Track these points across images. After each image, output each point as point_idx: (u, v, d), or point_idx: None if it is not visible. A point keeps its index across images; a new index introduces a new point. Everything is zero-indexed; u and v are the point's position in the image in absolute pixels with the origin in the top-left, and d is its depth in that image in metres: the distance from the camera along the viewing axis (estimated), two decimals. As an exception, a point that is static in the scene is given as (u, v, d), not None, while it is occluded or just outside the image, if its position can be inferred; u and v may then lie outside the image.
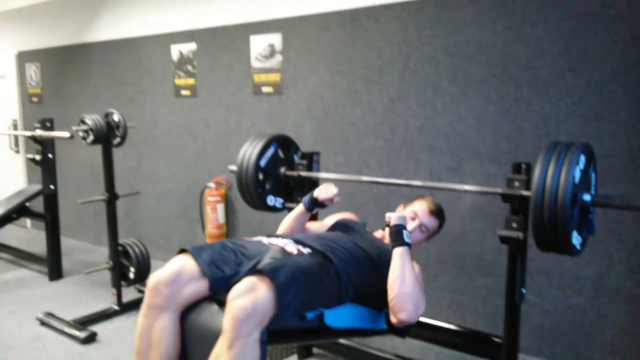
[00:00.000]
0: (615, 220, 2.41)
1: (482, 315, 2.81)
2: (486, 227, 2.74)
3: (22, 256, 4.38)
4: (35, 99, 5.41)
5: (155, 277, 1.68)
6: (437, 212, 2.13)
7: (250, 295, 1.50)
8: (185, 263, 1.70)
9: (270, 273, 1.56)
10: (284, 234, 2.06)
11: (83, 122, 3.10)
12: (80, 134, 3.11)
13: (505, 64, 2.60)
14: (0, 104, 5.78)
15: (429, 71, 2.84)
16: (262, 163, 2.57)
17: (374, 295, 1.95)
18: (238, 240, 1.89)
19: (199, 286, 1.67)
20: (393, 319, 1.80)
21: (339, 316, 1.81)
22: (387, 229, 2.05)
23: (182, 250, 1.76)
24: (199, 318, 1.61)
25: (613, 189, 2.40)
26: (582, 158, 1.84)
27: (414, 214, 2.10)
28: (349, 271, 1.87)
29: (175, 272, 1.66)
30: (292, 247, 1.82)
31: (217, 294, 1.66)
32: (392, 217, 1.96)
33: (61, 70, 5.04)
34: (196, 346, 1.59)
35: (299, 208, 2.24)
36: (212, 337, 1.52)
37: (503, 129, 2.65)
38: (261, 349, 1.51)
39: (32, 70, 5.35)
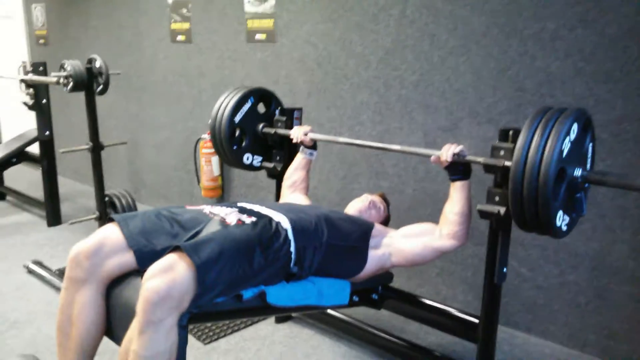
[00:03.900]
0: (621, 194, 2.16)
1: (471, 285, 2.64)
2: (480, 194, 2.51)
3: (25, 200, 4.39)
4: (42, 41, 5.30)
5: (76, 248, 1.55)
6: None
7: (165, 276, 1.35)
8: (109, 233, 1.56)
9: (191, 250, 1.40)
10: (233, 202, 1.89)
11: (63, 68, 2.96)
12: (61, 80, 2.98)
13: (510, 14, 2.31)
14: (9, 46, 5.71)
15: (426, 20, 2.56)
16: (237, 119, 2.40)
17: (339, 259, 1.84)
18: (176, 208, 1.73)
19: (124, 259, 1.53)
20: (450, 243, 1.86)
21: (287, 294, 1.66)
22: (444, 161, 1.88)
23: (112, 219, 1.62)
24: (123, 294, 1.49)
25: (621, 159, 2.14)
26: (575, 127, 1.60)
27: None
28: (308, 236, 1.74)
29: (98, 243, 1.53)
30: (233, 218, 1.65)
31: (146, 268, 1.52)
32: (456, 149, 1.84)
33: (64, 12, 4.89)
34: (119, 323, 1.48)
35: (301, 157, 2.31)
36: (134, 315, 1.40)
37: (503, 88, 2.38)
38: (180, 334, 1.38)
39: (38, 11, 5.22)
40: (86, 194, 4.83)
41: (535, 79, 2.29)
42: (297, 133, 2.27)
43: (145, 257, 1.52)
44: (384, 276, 2.17)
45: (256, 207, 1.79)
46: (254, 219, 1.67)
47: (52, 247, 3.59)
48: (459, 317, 2.03)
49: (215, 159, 3.68)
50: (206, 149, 3.66)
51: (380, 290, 2.17)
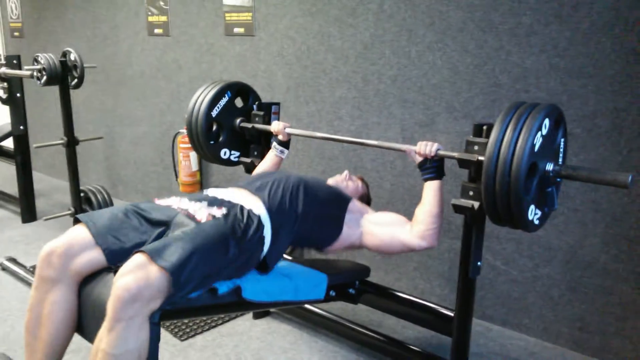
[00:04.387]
0: (593, 189, 2.20)
1: (448, 279, 2.66)
2: (456, 189, 2.54)
3: (-1, 196, 4.32)
4: (16, 34, 5.20)
5: (47, 248, 1.53)
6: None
7: (137, 274, 1.33)
8: (77, 233, 1.55)
9: (155, 254, 1.37)
10: (201, 193, 1.87)
11: (36, 61, 2.90)
12: (34, 73, 2.92)
13: (486, 8, 2.32)
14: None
15: (404, 15, 2.56)
16: (214, 113, 2.38)
17: (316, 226, 1.87)
18: (144, 204, 1.71)
19: (93, 256, 1.52)
20: (418, 242, 1.84)
21: (263, 289, 1.66)
22: (416, 157, 1.89)
23: (78, 220, 1.60)
24: (94, 290, 1.47)
25: (594, 154, 2.17)
26: (547, 122, 1.62)
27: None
28: (283, 213, 1.77)
29: (67, 243, 1.52)
30: (203, 213, 1.63)
31: (117, 265, 1.50)
32: (432, 147, 1.82)
33: (40, 4, 4.80)
34: (91, 320, 1.46)
35: (272, 155, 2.29)
36: (105, 311, 1.38)
37: (479, 83, 2.40)
38: (152, 331, 1.36)
39: (13, 3, 5.11)
40: (62, 189, 4.75)
41: (511, 74, 2.31)
42: (278, 127, 2.26)
43: (115, 255, 1.51)
44: (361, 271, 2.18)
45: (227, 195, 1.77)
46: (224, 210, 1.65)
47: (26, 243, 3.53)
48: (435, 311, 2.04)
49: (193, 154, 3.65)
50: (184, 143, 3.63)
51: (357, 284, 2.18)
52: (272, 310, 2.62)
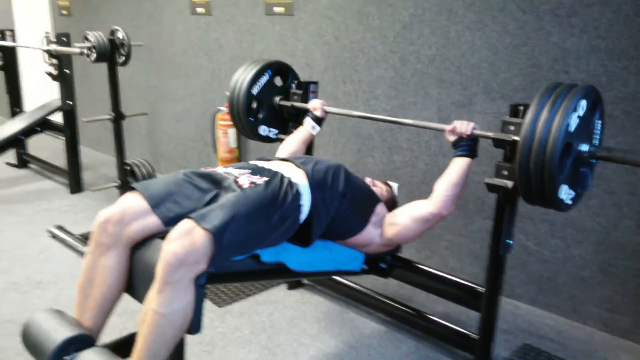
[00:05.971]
0: (630, 171, 2.19)
1: (478, 258, 2.70)
2: (490, 169, 2.56)
3: (48, 168, 4.53)
4: (64, 12, 5.38)
5: (102, 215, 1.62)
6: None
7: (184, 240, 1.43)
8: (132, 201, 1.63)
9: (199, 219, 1.47)
10: (247, 163, 1.94)
11: (86, 39, 3.03)
12: (84, 51, 3.05)
13: (527, -11, 2.32)
14: (33, 17, 5.80)
15: (444, -6, 2.58)
16: (255, 91, 2.46)
17: (349, 212, 1.91)
18: (193, 171, 1.79)
19: (146, 223, 1.60)
20: (429, 209, 1.89)
21: (307, 261, 1.75)
22: (451, 137, 1.94)
23: (132, 188, 1.69)
24: (145, 255, 1.57)
25: (632, 136, 2.17)
26: (583, 103, 1.63)
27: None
28: (324, 187, 1.83)
29: (122, 210, 1.60)
30: (245, 180, 1.70)
31: (167, 231, 1.58)
32: (468, 126, 1.88)
33: (86, -18, 4.95)
34: (140, 282, 1.57)
35: (304, 130, 2.34)
36: (154, 274, 1.49)
37: (518, 63, 2.40)
38: (198, 293, 1.46)
39: (61, -18, 5.29)
40: (106, 163, 4.95)
41: (550, 55, 2.30)
42: (316, 103, 2.33)
43: (171, 221, 1.59)
44: (393, 246, 2.24)
45: (268, 164, 1.86)
46: (266, 178, 1.73)
47: (74, 213, 3.72)
48: (464, 286, 2.09)
49: (232, 131, 3.76)
50: (223, 121, 3.74)
51: (388, 259, 2.24)
52: (305, 281, 2.72)
